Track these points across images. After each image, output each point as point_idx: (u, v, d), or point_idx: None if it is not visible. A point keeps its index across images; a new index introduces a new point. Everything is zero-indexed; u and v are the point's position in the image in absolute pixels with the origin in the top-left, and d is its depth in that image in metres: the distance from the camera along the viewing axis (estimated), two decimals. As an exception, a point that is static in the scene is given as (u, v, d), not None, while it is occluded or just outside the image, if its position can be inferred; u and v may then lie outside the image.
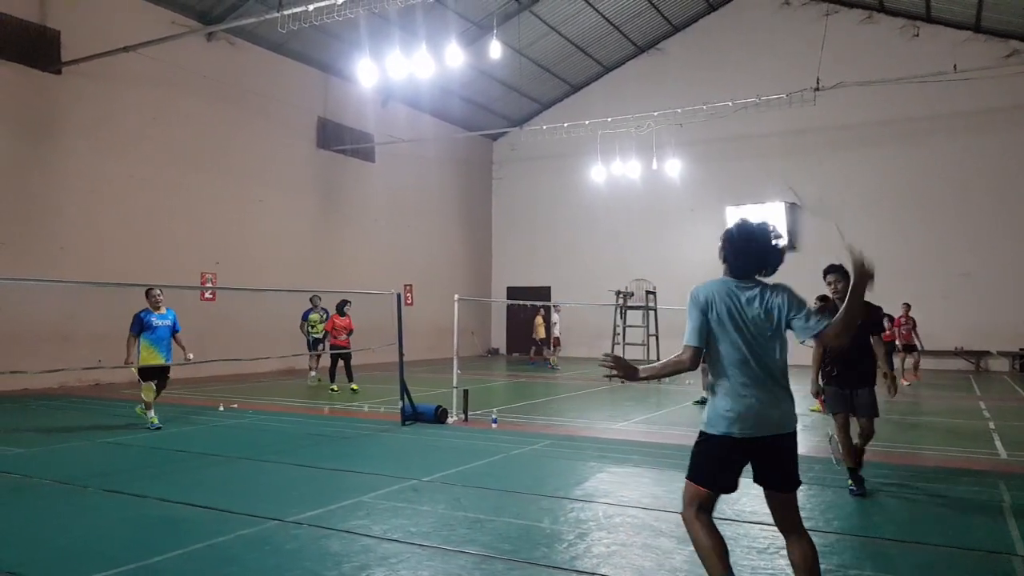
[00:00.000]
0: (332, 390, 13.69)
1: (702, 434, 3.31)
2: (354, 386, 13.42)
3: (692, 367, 3.29)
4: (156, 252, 15.48)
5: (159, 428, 9.17)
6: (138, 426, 9.28)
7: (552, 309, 20.31)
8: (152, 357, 9.23)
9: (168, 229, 15.90)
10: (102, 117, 14.80)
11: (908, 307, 16.15)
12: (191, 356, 9.47)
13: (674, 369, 3.34)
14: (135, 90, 15.34)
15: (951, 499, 6.02)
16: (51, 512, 5.46)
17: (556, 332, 20.37)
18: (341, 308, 13.85)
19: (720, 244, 3.44)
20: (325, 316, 14.51)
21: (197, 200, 16.58)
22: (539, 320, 20.70)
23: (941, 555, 4.60)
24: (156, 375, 9.38)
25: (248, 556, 4.44)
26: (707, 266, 22.16)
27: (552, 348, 20.31)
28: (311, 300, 14.78)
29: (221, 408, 11.02)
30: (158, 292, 9.46)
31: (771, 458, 3.26)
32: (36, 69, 13.76)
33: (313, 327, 14.82)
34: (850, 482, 6.10)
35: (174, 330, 9.45)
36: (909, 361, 16.18)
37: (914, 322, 16.10)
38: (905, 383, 15.47)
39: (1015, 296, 19.58)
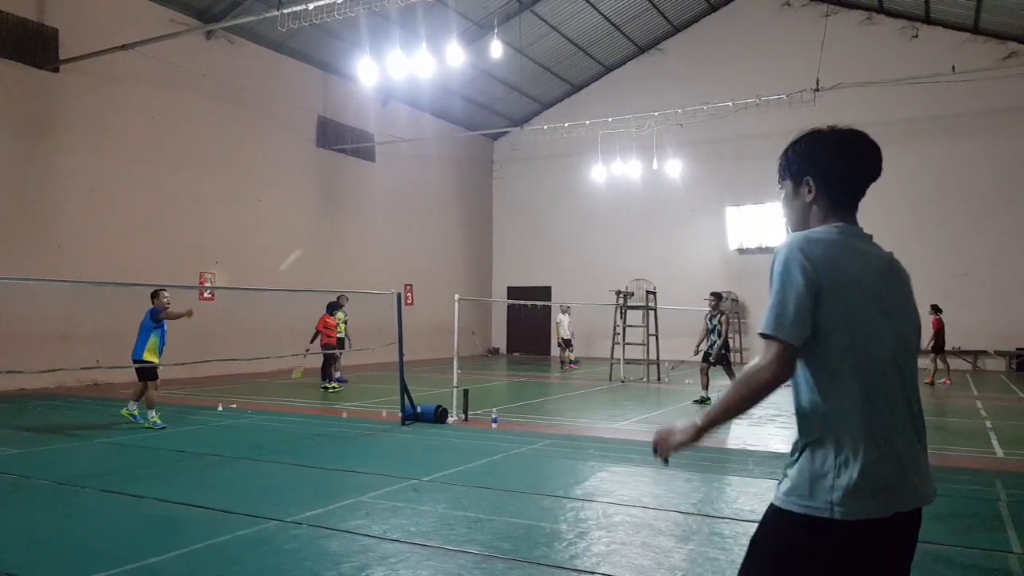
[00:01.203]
0: (333, 388, 13.71)
1: (806, 520, 1.83)
2: (334, 384, 13.86)
3: (782, 379, 1.86)
4: (155, 251, 15.46)
5: (164, 427, 9.24)
6: (136, 426, 9.27)
7: (561, 309, 20.33)
8: (156, 355, 9.31)
9: (167, 228, 15.88)
10: (100, 116, 14.78)
11: (935, 308, 15.98)
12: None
13: (750, 397, 1.88)
14: (134, 89, 15.32)
15: (949, 497, 6.02)
16: (49, 512, 5.45)
17: (564, 333, 20.37)
18: (332, 308, 14.04)
19: (794, 158, 2.11)
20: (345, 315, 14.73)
21: (196, 199, 16.56)
22: (564, 319, 20.50)
23: (939, 553, 4.60)
24: (156, 375, 9.43)
25: (247, 556, 4.44)
26: (709, 267, 22.22)
27: (563, 349, 20.41)
28: (338, 300, 14.64)
29: (220, 408, 11.00)
30: (167, 294, 9.50)
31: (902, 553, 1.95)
32: (34, 67, 13.73)
33: (337, 326, 14.74)
34: None
35: None
36: (930, 364, 16.23)
37: (942, 324, 16.01)
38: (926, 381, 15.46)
39: (1012, 296, 19.61)
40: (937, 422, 10.57)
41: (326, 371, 14.00)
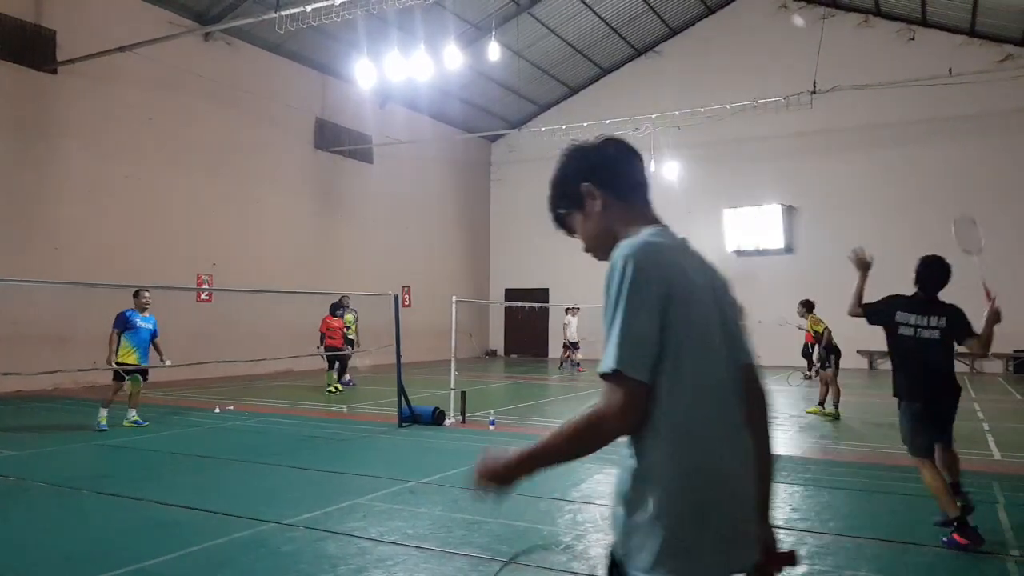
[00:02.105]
0: (331, 390, 13.69)
1: None
2: (338, 386, 13.87)
3: (629, 430, 1.56)
4: (152, 253, 15.43)
5: (105, 430, 8.99)
6: (134, 429, 9.25)
7: (567, 311, 20.38)
8: (128, 357, 9.25)
9: (164, 230, 15.86)
10: (98, 117, 14.76)
11: None
12: (168, 361, 9.54)
13: (583, 450, 1.60)
14: (131, 90, 15.30)
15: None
16: (45, 515, 5.44)
17: (571, 335, 20.37)
18: (334, 310, 14.01)
19: (563, 185, 1.86)
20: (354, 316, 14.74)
21: (194, 201, 16.54)
22: (573, 320, 20.50)
23: (936, 556, 4.60)
24: (122, 377, 9.29)
25: (244, 559, 4.43)
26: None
27: (567, 350, 20.46)
28: (341, 300, 14.62)
29: (217, 410, 10.98)
30: (147, 295, 9.49)
31: None
32: (32, 69, 13.71)
33: (347, 328, 14.71)
34: (955, 536, 4.65)
35: (153, 335, 9.51)
36: None
37: None
38: None
39: (1009, 298, 19.39)
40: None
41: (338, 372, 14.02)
